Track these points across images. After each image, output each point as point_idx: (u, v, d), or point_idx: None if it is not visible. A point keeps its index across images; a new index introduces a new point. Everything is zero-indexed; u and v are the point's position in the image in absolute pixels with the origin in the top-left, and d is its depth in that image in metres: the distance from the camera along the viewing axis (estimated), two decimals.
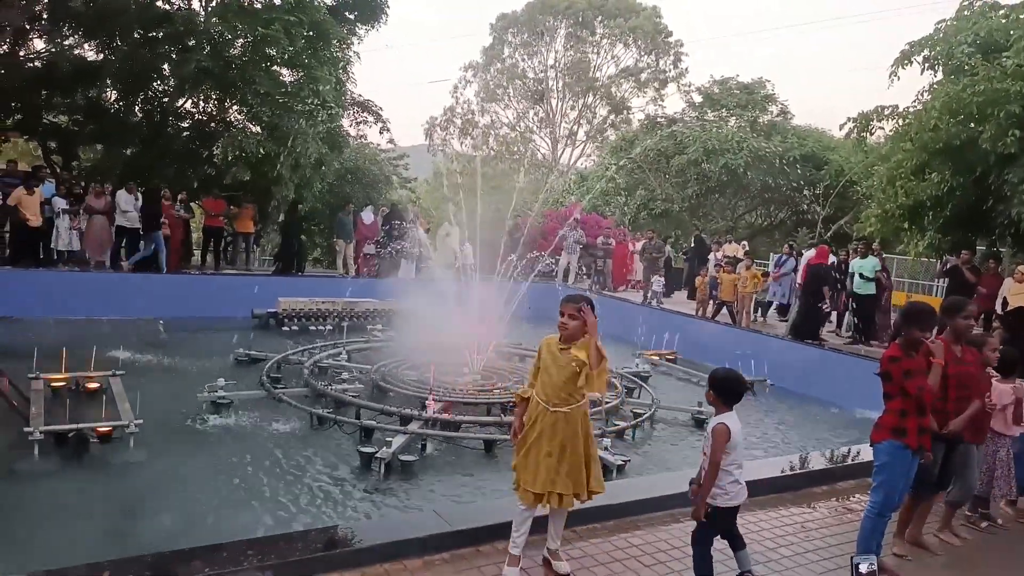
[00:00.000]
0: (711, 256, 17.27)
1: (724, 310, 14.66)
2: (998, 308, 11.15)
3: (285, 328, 13.09)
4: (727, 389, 3.76)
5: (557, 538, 4.13)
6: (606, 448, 7.12)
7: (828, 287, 12.97)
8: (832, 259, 13.79)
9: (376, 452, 6.68)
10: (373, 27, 19.73)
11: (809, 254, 14.31)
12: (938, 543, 4.78)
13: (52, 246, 13.75)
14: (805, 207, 26.56)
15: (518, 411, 4.11)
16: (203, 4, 17.52)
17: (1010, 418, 5.01)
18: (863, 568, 3.81)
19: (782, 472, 5.92)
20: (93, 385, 8.16)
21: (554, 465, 3.86)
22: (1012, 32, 12.50)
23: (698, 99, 30.32)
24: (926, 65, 14.15)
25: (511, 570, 3.92)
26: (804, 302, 13.24)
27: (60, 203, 13.79)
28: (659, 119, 30.83)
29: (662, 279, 16.62)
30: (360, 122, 22.08)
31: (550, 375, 3.93)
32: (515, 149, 33.46)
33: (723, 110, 28.47)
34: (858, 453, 6.51)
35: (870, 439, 4.29)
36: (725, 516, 3.77)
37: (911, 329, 4.10)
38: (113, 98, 17.50)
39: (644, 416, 8.67)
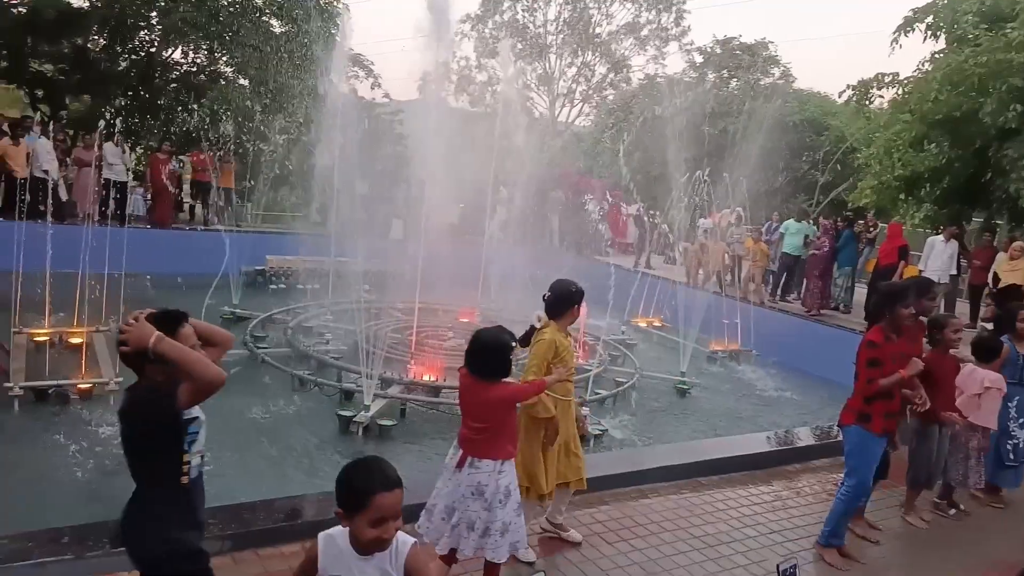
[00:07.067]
0: (701, 222, 17.00)
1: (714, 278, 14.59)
2: (990, 282, 11.12)
3: (272, 286, 13.03)
4: None
5: (563, 511, 4.19)
6: (585, 416, 7.12)
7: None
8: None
9: (354, 416, 6.69)
10: None
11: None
12: (902, 524, 4.80)
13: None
14: (802, 173, 26.22)
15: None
16: None
17: (983, 407, 4.92)
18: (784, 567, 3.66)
19: (757, 449, 5.93)
20: (76, 341, 8.12)
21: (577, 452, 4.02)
22: (1018, 1, 12.12)
23: (699, 59, 29.72)
24: (928, 33, 13.73)
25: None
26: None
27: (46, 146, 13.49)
28: (659, 78, 30.23)
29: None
30: (351, 77, 21.61)
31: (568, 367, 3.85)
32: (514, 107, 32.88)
33: (724, 71, 27.92)
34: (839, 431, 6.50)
35: (839, 420, 4.28)
36: None
37: (895, 307, 4.05)
38: (99, 47, 17.08)
39: (626, 384, 8.66)
